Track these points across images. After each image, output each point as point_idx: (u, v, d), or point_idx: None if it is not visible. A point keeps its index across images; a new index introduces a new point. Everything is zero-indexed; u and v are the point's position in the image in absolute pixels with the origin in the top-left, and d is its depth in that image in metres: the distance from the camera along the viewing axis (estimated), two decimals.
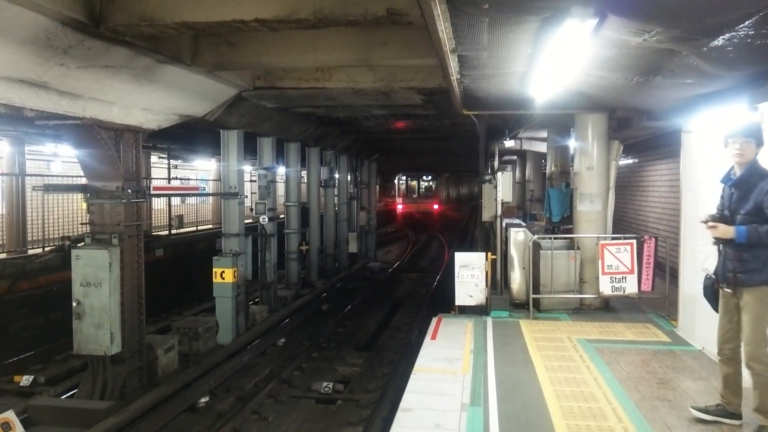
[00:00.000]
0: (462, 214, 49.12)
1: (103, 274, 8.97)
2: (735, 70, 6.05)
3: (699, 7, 4.27)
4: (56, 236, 15.19)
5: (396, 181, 42.61)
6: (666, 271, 9.84)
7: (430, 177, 42.28)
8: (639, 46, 5.30)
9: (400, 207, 41.16)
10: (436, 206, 41.39)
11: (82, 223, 11.46)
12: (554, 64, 6.07)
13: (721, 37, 4.76)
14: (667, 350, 7.97)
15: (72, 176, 15.82)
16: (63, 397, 9.85)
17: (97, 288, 8.99)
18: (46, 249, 14.03)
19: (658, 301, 10.04)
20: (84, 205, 9.64)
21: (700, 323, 8.06)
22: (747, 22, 4.37)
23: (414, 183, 42.55)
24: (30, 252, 13.93)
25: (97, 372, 9.21)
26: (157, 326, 14.22)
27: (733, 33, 4.63)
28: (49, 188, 11.24)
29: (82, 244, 9.61)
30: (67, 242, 13.59)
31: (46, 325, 12.71)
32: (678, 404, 6.08)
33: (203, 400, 9.96)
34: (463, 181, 75.19)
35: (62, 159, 17.55)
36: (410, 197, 42.16)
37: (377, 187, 33.38)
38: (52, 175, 16.74)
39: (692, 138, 8.28)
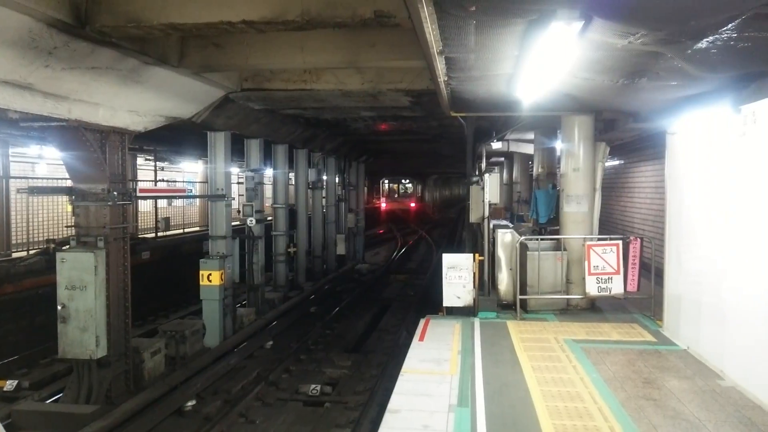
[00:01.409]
0: (445, 214, 53.28)
1: (88, 277, 8.90)
2: (718, 72, 6.13)
3: (683, 10, 4.32)
4: (41, 239, 15.03)
5: (380, 183, 49.35)
6: (651, 271, 9.93)
7: (408, 180, 50.07)
8: (624, 48, 5.36)
9: (383, 205, 47.71)
10: (413, 204, 49.00)
11: (67, 226, 11.37)
12: (541, 66, 6.12)
13: (704, 39, 4.82)
14: (652, 350, 8.04)
15: (57, 178, 15.67)
16: (48, 401, 9.76)
17: (83, 291, 8.91)
18: (31, 252, 13.89)
19: (643, 302, 10.12)
20: (69, 208, 9.55)
21: (684, 323, 8.15)
22: (730, 25, 4.43)
23: (395, 185, 50.35)
24: (14, 255, 13.78)
25: (83, 376, 9.13)
26: (144, 329, 14.11)
27: (717, 36, 4.70)
28: (33, 191, 11.14)
29: (68, 247, 9.53)
30: (52, 245, 13.46)
31: (31, 329, 12.57)
32: (663, 403, 6.14)
33: (190, 403, 9.91)
34: (452, 183, 75.57)
35: (47, 161, 17.36)
36: (392, 197, 49.82)
37: (365, 188, 33.90)
38: (37, 177, 16.56)
39: (677, 140, 8.37)
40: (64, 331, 8.96)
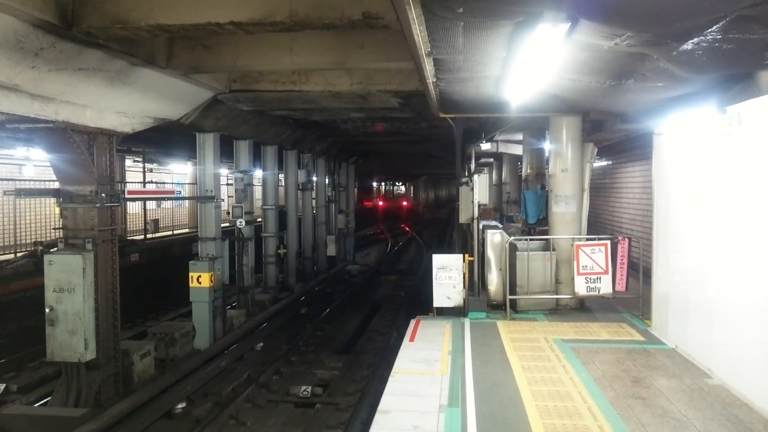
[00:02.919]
0: (435, 215, 60.03)
1: (76, 279, 8.85)
2: (704, 73, 6.18)
3: (668, 12, 4.36)
4: (29, 242, 14.93)
5: (379, 185, 58.81)
6: (639, 271, 9.99)
7: (401, 183, 61.70)
8: (610, 49, 5.40)
9: (381, 203, 56.40)
10: (405, 203, 59.10)
11: (55, 228, 11.29)
12: (528, 68, 6.15)
13: (690, 41, 4.87)
14: (641, 349, 8.10)
15: (45, 180, 15.56)
16: (36, 405, 9.69)
17: (71, 294, 8.86)
18: (18, 255, 13.79)
19: (632, 301, 10.18)
20: (57, 210, 9.49)
21: (672, 322, 8.21)
22: (714, 27, 4.47)
23: (390, 187, 61.50)
24: (1, 258, 13.67)
25: (72, 379, 9.07)
26: (133, 332, 14.04)
27: (702, 37, 4.74)
28: (21, 193, 11.01)
29: (55, 249, 9.47)
30: (40, 247, 13.37)
31: (19, 332, 12.48)
32: (652, 402, 6.18)
33: (180, 405, 9.87)
34: (441, 184, 76.32)
35: (34, 163, 17.25)
36: (388, 196, 60.04)
37: (355, 189, 34.13)
38: (24, 180, 16.45)
39: (663, 140, 8.43)
40: (53, 333, 8.90)
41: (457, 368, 7.37)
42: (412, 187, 64.47)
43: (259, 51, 9.07)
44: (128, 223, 19.84)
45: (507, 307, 9.95)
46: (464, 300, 9.96)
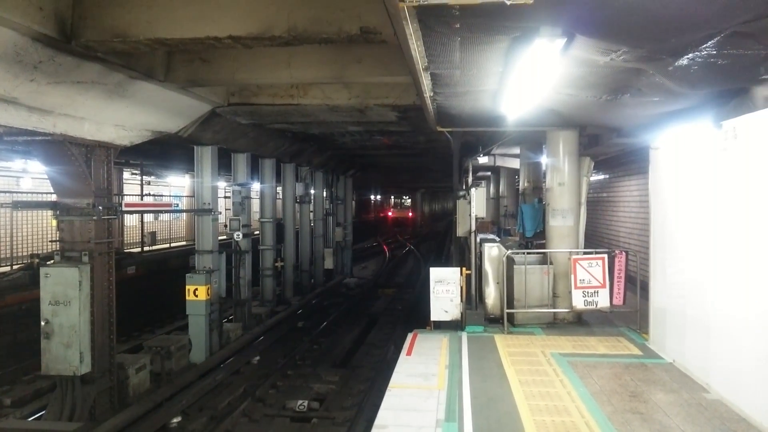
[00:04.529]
0: (433, 228, 63.36)
1: (72, 292, 8.82)
2: (699, 88, 6.23)
3: (663, 28, 4.40)
4: (25, 254, 14.89)
5: (390, 197, 68.32)
6: (637, 284, 9.97)
7: (408, 197, 68.99)
8: (606, 65, 5.44)
9: (390, 213, 65.35)
10: (410, 214, 66.78)
11: (51, 241, 11.26)
12: (525, 82, 6.19)
13: (685, 56, 4.91)
14: (638, 363, 8.07)
15: (42, 193, 15.54)
16: (30, 419, 9.61)
17: (67, 307, 8.83)
18: (15, 267, 13.74)
19: (629, 315, 10.16)
20: (54, 222, 9.48)
21: (670, 336, 8.19)
22: (709, 43, 4.51)
23: (399, 200, 70.43)
24: None
25: (66, 392, 9.01)
26: (129, 345, 13.98)
27: (697, 53, 4.78)
28: (17, 205, 11.00)
29: (52, 261, 9.44)
30: (36, 260, 13.33)
31: (14, 345, 12.41)
32: (650, 417, 6.15)
33: (175, 420, 9.80)
34: (439, 197, 77.35)
35: (32, 175, 17.24)
36: (397, 207, 68.93)
37: (353, 202, 34.28)
38: (22, 192, 16.43)
39: (660, 154, 8.46)
40: (48, 347, 8.86)
41: (454, 382, 7.34)
42: (413, 200, 69.79)
43: (257, 65, 9.12)
44: (125, 235, 19.80)
45: (504, 320, 9.92)
46: (461, 313, 9.92)
